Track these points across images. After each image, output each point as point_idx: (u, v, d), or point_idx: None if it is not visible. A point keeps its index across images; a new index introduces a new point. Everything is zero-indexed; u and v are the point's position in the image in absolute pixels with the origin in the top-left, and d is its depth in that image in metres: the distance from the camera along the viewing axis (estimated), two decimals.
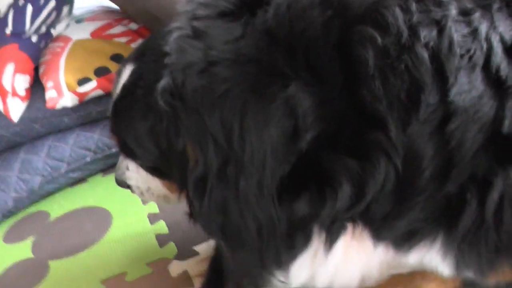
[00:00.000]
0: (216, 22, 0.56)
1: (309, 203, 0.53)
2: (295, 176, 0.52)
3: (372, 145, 0.51)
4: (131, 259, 1.04)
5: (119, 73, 0.69)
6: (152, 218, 1.19)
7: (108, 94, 1.34)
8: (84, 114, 1.35)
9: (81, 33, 1.39)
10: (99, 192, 1.34)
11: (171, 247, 1.06)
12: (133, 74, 0.65)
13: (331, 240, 0.57)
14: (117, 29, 1.40)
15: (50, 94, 1.26)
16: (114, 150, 1.38)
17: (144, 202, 0.95)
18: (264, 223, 0.53)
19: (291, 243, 0.57)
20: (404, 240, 0.58)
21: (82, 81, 1.28)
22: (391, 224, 0.56)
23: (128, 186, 0.82)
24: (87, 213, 1.26)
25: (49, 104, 1.26)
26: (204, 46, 0.53)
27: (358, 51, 0.50)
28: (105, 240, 1.13)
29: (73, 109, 1.32)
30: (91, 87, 1.29)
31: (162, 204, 0.84)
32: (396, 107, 0.49)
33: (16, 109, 1.30)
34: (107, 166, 1.44)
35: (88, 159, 1.35)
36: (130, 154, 0.72)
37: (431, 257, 0.59)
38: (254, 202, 0.52)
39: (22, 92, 1.31)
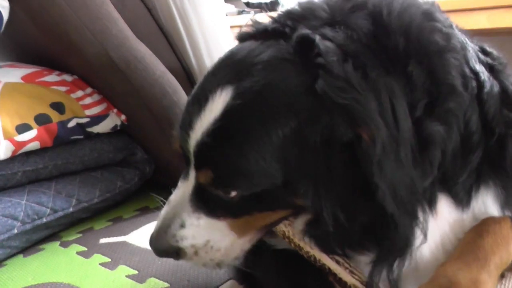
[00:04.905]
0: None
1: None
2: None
3: (450, 112, 0.66)
4: None
5: (204, 99, 0.65)
6: (135, 278, 0.98)
7: (44, 150, 1.12)
8: (8, 175, 1.08)
9: (9, 76, 1.15)
10: (31, 271, 1.03)
11: None
12: (242, 93, 0.63)
13: (430, 207, 0.69)
14: (51, 78, 1.20)
15: None
16: (45, 219, 1.12)
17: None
18: (409, 185, 0.63)
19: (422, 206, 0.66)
20: (469, 193, 0.73)
21: (22, 128, 1.05)
22: (460, 178, 0.71)
23: (176, 252, 0.71)
24: None
25: None
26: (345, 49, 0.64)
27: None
28: None
29: None
30: (31, 137, 1.06)
31: (210, 269, 0.73)
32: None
33: None
34: (30, 243, 1.14)
35: (15, 230, 1.05)
36: (229, 183, 0.66)
37: (488, 203, 0.75)
38: (408, 168, 0.62)
39: None
